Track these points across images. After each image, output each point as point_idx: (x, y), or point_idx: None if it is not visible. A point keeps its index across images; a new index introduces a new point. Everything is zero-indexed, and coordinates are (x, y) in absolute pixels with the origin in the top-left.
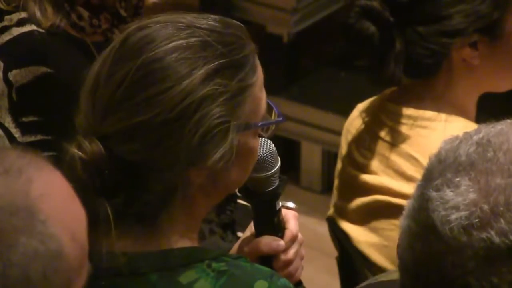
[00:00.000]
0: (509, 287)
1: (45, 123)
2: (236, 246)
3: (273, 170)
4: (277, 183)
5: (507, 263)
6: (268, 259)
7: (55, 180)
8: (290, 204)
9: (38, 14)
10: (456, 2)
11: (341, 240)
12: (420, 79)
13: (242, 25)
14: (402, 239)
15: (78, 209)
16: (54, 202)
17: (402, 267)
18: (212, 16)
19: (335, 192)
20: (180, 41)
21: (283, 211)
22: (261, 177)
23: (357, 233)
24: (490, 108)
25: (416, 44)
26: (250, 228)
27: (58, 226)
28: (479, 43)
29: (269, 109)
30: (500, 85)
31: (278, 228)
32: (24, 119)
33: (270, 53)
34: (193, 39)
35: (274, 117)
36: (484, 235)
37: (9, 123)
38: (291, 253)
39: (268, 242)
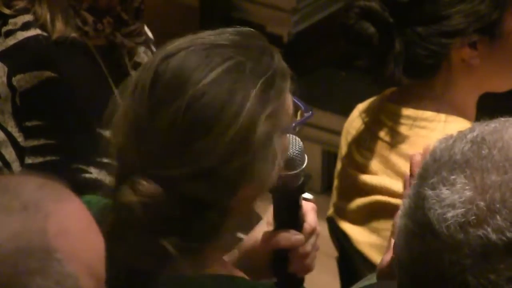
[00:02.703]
0: (507, 284)
1: (49, 127)
2: (251, 238)
3: (301, 168)
4: (302, 179)
5: (504, 260)
6: (285, 252)
7: (73, 211)
8: (308, 195)
9: (49, 26)
10: (455, 2)
11: (341, 240)
12: (420, 80)
13: (256, 32)
14: (399, 238)
15: (96, 239)
16: (72, 237)
17: (399, 266)
18: (227, 30)
19: (334, 192)
20: (217, 69)
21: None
22: (289, 175)
23: (357, 233)
24: (490, 108)
25: (415, 45)
26: (267, 220)
27: (75, 262)
28: (478, 43)
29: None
30: (500, 85)
31: (299, 222)
32: (27, 123)
33: None
34: (226, 63)
35: (300, 115)
36: (480, 232)
37: (12, 127)
38: (308, 246)
39: (288, 237)
